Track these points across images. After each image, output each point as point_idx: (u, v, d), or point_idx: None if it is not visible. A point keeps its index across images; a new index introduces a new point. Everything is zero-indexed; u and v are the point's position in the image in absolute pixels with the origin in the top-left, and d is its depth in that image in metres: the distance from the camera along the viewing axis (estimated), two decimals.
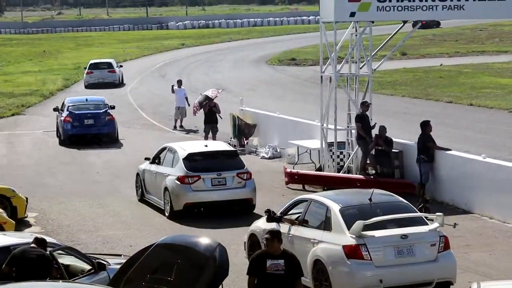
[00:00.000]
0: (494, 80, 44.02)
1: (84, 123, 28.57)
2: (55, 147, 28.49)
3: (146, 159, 19.84)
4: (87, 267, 11.84)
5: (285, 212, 14.17)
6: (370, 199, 13.03)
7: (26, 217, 18.55)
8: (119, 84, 47.31)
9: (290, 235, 13.56)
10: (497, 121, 30.82)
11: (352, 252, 12.44)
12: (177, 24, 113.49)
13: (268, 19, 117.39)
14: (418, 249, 12.68)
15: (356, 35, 21.48)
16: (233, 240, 16.45)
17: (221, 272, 9.75)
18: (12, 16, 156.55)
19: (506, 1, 20.71)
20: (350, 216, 12.88)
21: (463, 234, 16.64)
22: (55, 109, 30.27)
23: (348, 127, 21.98)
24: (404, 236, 12.61)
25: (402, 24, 21.83)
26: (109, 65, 47.94)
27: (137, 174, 20.18)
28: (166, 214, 18.44)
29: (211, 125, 27.54)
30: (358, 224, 12.48)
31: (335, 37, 20.96)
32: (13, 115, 36.56)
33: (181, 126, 31.76)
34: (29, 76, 53.43)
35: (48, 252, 11.16)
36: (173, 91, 32.20)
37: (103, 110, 29.07)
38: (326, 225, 13.09)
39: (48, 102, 41.06)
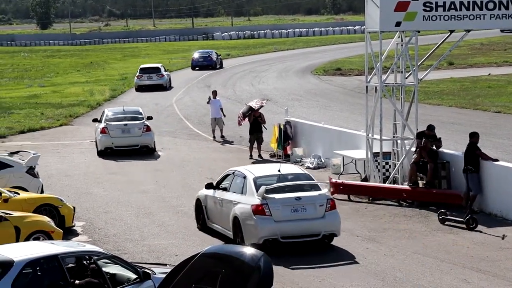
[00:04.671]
0: None
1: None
2: (102, 157, 28.76)
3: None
4: (133, 276, 11.92)
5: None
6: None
7: (74, 226, 18.75)
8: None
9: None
10: None
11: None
12: (222, 35, 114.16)
13: (314, 29, 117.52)
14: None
15: (401, 45, 21.36)
16: (277, 250, 16.42)
17: (266, 282, 9.73)
18: (61, 28, 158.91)
19: None
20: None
21: None
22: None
23: (394, 137, 21.85)
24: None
25: (449, 33, 21.65)
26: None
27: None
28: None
29: (256, 136, 27.59)
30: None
31: (381, 47, 20.87)
32: (61, 125, 37.04)
33: (222, 136, 31.84)
34: (77, 87, 54.10)
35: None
36: (209, 102, 32.30)
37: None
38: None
39: (95, 112, 41.54)
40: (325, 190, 16.75)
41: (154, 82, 51.71)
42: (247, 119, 27.80)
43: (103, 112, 31.00)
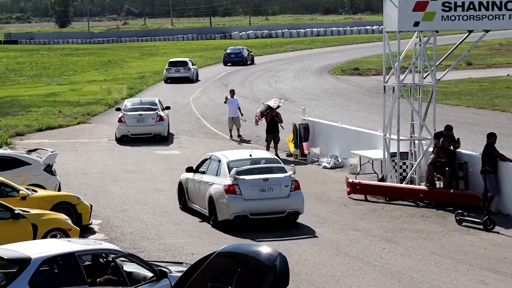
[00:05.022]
0: None
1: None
2: (119, 155, 28.88)
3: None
4: (149, 274, 11.95)
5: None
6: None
7: (91, 224, 18.82)
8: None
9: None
10: None
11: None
12: (240, 34, 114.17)
13: (332, 28, 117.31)
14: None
15: (420, 45, 21.28)
16: (294, 250, 16.43)
17: (282, 281, 9.72)
18: (79, 26, 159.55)
19: None
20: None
21: None
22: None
23: (411, 137, 21.77)
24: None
25: (468, 33, 21.55)
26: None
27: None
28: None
29: (273, 135, 27.58)
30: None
31: (399, 47, 20.81)
32: (78, 123, 37.15)
33: (239, 136, 31.84)
34: (95, 85, 54.29)
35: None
36: (226, 102, 32.33)
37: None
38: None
39: (113, 111, 41.62)
40: (290, 173, 18.37)
41: (181, 74, 55.84)
42: (264, 119, 27.80)
43: (123, 102, 34.32)
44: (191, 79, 55.84)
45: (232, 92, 32.77)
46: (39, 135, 33.94)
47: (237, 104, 32.01)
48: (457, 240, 17.09)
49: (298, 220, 18.78)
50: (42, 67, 73.14)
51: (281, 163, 18.95)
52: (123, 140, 31.17)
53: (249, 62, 70.06)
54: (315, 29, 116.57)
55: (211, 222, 18.58)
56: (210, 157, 19.63)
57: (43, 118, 37.74)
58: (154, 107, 32.10)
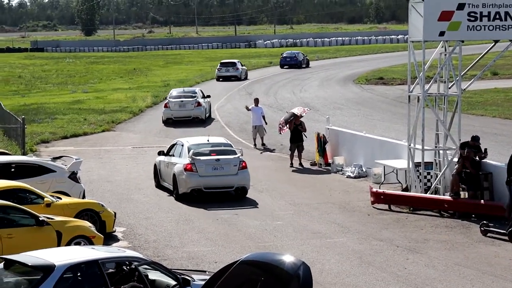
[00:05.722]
0: None
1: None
2: (144, 163, 28.97)
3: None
4: (172, 282, 11.96)
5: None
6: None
7: (114, 231, 18.88)
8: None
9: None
10: None
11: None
12: (265, 43, 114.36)
13: (357, 38, 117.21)
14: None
15: (445, 54, 21.20)
16: (317, 259, 16.40)
17: None
18: (105, 34, 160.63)
19: None
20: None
21: None
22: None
23: (436, 147, 21.67)
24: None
25: (494, 43, 21.43)
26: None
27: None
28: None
29: (296, 144, 27.58)
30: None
31: (424, 57, 20.74)
32: (103, 131, 37.34)
33: (263, 144, 31.86)
34: (120, 93, 54.54)
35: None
36: (247, 109, 32.41)
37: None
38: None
39: (137, 119, 41.86)
40: (238, 155, 22.25)
41: (231, 73, 63.63)
42: (288, 128, 27.80)
43: (170, 91, 40.96)
44: (239, 78, 62.86)
45: (257, 101, 32.83)
46: (64, 142, 34.16)
47: (261, 112, 32.04)
48: (481, 251, 16.97)
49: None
50: (67, 74, 73.65)
51: (232, 147, 22.83)
52: (168, 122, 38.09)
53: (303, 66, 74.69)
54: (340, 38, 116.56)
55: (174, 195, 22.42)
56: (176, 142, 23.63)
57: (68, 126, 37.98)
58: (194, 95, 39.19)
